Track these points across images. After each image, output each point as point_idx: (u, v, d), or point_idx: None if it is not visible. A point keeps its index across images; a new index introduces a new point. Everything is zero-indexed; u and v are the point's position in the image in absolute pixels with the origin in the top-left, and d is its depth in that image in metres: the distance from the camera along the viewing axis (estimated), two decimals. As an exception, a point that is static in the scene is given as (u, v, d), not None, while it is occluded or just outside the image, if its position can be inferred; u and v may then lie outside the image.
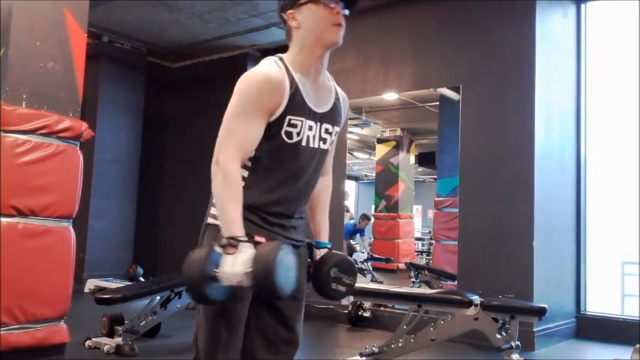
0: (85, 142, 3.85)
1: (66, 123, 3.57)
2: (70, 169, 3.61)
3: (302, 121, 1.71)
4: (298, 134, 1.71)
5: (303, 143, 1.73)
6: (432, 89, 6.00)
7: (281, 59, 1.74)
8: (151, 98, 8.46)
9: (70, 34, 3.72)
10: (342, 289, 1.80)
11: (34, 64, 3.56)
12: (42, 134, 3.47)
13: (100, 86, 7.83)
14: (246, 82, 1.68)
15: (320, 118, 1.76)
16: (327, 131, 1.79)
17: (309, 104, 1.73)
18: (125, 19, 7.22)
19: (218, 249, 1.55)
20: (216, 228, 1.68)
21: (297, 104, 1.69)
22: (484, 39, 5.36)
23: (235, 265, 1.50)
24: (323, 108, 1.78)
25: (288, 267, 1.52)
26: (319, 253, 1.85)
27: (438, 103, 6.57)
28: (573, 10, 5.68)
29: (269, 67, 1.70)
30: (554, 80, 5.36)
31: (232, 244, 1.53)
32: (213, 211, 1.73)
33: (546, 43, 5.20)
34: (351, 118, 6.55)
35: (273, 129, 1.68)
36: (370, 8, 6.01)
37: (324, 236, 1.92)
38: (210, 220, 1.74)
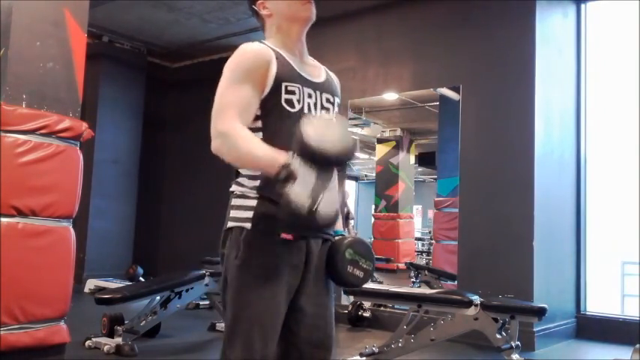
0: (85, 142, 3.85)
1: (66, 123, 3.57)
2: (70, 169, 3.61)
3: (299, 88, 1.68)
4: (299, 101, 1.67)
5: (306, 110, 1.69)
6: (432, 89, 6.00)
7: (262, 42, 1.74)
8: (151, 98, 8.46)
9: (70, 34, 3.72)
10: (360, 273, 1.68)
11: (34, 64, 3.56)
12: (42, 134, 3.47)
13: (100, 86, 7.83)
14: (230, 59, 1.68)
15: (317, 87, 1.75)
16: (328, 100, 1.77)
17: (301, 73, 1.72)
18: (125, 19, 7.23)
19: (287, 187, 1.44)
20: (238, 230, 1.62)
21: (288, 71, 1.67)
22: (484, 39, 5.36)
23: (306, 183, 1.43)
24: (317, 79, 1.77)
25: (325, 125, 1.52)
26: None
27: (438, 103, 6.57)
28: (573, 10, 5.68)
29: (251, 44, 1.70)
30: (554, 80, 5.36)
31: (288, 171, 1.45)
32: (233, 213, 1.65)
33: (546, 43, 5.20)
34: (351, 118, 6.55)
35: (272, 101, 1.65)
36: (370, 8, 6.01)
37: (338, 225, 1.81)
38: (230, 224, 1.65)
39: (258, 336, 1.57)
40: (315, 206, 1.43)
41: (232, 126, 1.57)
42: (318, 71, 1.80)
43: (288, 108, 1.66)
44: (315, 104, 1.72)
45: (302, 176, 1.44)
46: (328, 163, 1.49)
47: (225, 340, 1.62)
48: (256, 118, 1.66)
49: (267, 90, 1.64)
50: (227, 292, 1.63)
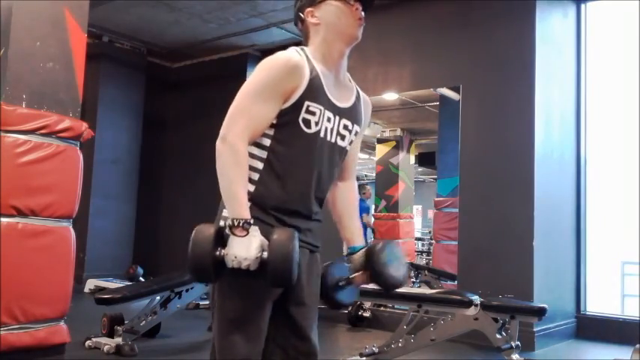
0: (85, 142, 3.85)
1: (66, 123, 3.58)
2: (70, 169, 3.61)
3: (320, 110, 1.64)
4: (317, 124, 1.64)
5: (321, 135, 1.66)
6: (432, 89, 6.00)
7: (302, 49, 1.71)
8: (150, 98, 8.46)
9: (70, 34, 3.72)
10: (402, 271, 1.77)
11: (34, 64, 3.56)
12: (42, 134, 3.48)
13: (100, 86, 7.83)
14: (266, 63, 1.64)
15: (339, 112, 1.71)
16: (346, 127, 1.73)
17: (329, 95, 1.68)
18: (125, 19, 7.22)
19: (226, 230, 1.51)
20: None
21: (315, 91, 1.64)
22: (484, 39, 5.36)
23: (249, 250, 1.48)
24: (343, 103, 1.73)
25: (298, 255, 1.54)
26: (359, 255, 1.78)
27: (438, 103, 6.58)
28: (573, 10, 5.68)
29: (290, 52, 1.67)
30: (554, 80, 5.36)
31: (244, 227, 1.50)
32: (225, 213, 1.64)
33: (546, 43, 5.20)
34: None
35: (290, 115, 1.62)
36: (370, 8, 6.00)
37: (359, 240, 1.86)
38: (222, 223, 1.64)
39: (244, 339, 1.61)
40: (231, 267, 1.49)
41: (239, 143, 1.57)
42: (348, 94, 1.76)
43: (304, 127, 1.63)
44: (332, 129, 1.69)
45: (250, 242, 1.50)
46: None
47: (213, 341, 1.67)
48: (270, 125, 1.64)
49: (288, 103, 1.62)
50: (215, 295, 1.66)
